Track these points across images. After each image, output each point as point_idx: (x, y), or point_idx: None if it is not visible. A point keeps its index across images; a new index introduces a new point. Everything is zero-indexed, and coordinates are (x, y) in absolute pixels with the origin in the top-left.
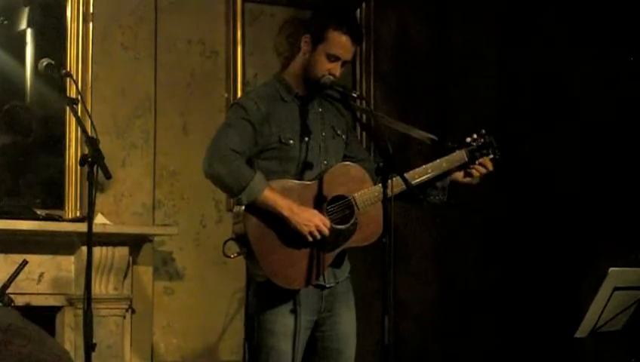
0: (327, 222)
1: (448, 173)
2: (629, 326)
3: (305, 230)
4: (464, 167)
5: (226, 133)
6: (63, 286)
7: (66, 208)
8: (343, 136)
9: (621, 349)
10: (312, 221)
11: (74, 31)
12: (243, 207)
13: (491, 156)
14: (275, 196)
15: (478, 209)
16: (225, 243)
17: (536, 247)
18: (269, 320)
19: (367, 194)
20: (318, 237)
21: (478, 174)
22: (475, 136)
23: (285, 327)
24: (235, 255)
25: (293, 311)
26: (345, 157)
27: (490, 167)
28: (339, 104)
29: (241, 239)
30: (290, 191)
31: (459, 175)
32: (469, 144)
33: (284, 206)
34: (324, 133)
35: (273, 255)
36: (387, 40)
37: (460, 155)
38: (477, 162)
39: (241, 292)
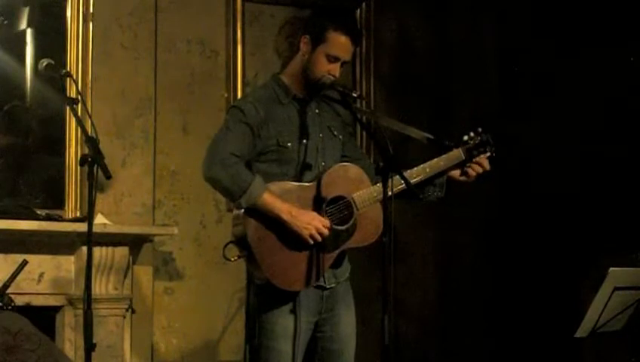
0: (327, 224)
1: (446, 171)
2: (629, 326)
3: (305, 233)
4: (462, 165)
5: (224, 136)
6: (63, 286)
7: (66, 208)
8: (340, 137)
9: (621, 349)
10: (312, 224)
11: (74, 31)
12: (242, 210)
13: (488, 154)
14: (274, 200)
15: (478, 209)
16: (225, 246)
17: (537, 247)
18: (270, 321)
19: (365, 194)
20: (319, 239)
21: (474, 173)
22: (472, 134)
23: (285, 328)
24: (236, 258)
25: (293, 312)
26: (341, 157)
27: (486, 166)
28: (335, 104)
29: (241, 241)
30: (289, 194)
31: (455, 173)
32: (466, 142)
33: (284, 209)
34: (321, 135)
35: (273, 257)
36: (387, 40)
37: (457, 154)
38: (474, 160)
39: (241, 292)
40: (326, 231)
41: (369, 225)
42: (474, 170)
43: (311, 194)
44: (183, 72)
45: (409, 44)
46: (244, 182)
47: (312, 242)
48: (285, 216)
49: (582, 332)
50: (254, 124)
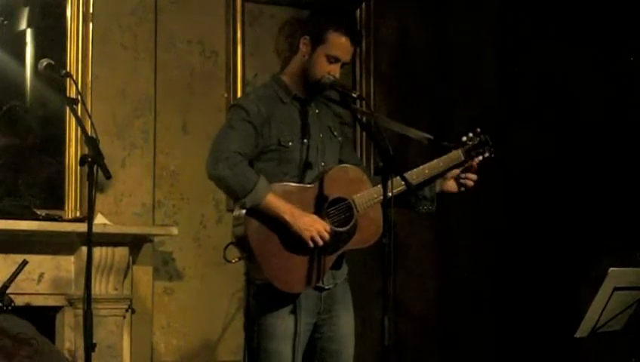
0: (328, 227)
1: (444, 173)
2: (629, 326)
3: (306, 235)
4: (460, 165)
5: (228, 134)
6: (63, 286)
7: (66, 208)
8: (339, 138)
9: (621, 349)
10: (314, 226)
11: (74, 31)
12: (244, 210)
13: (487, 155)
14: (277, 201)
15: (479, 209)
16: (225, 248)
17: (537, 247)
18: (269, 323)
19: (366, 196)
20: (320, 242)
21: (471, 183)
22: (470, 135)
23: (285, 330)
24: (236, 260)
25: (293, 313)
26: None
27: (475, 166)
28: (335, 105)
29: (242, 242)
30: (290, 195)
31: (452, 186)
32: (464, 143)
33: (287, 210)
34: (321, 135)
35: (274, 258)
36: (387, 40)
37: (456, 155)
38: (468, 164)
39: (241, 292)
40: (327, 235)
41: (370, 227)
42: (470, 179)
43: (312, 196)
44: (183, 72)
45: (409, 44)
46: (249, 181)
47: (312, 245)
48: (288, 218)
49: (582, 332)
50: (257, 123)
